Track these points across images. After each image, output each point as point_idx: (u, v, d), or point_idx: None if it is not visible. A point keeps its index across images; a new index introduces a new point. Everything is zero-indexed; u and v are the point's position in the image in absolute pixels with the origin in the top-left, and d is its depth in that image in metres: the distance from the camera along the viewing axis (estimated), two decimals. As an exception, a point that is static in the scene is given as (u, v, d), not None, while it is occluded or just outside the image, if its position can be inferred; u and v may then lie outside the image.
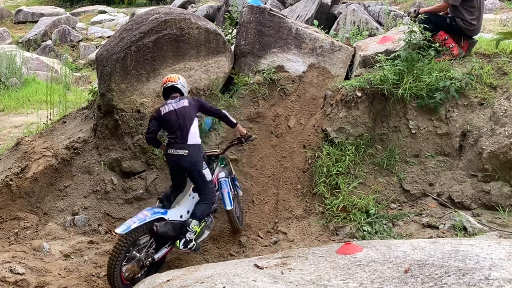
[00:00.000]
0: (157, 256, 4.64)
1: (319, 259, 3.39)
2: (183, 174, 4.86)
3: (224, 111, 5.13)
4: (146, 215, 4.48)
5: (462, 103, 5.66)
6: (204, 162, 4.82)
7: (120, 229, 4.26)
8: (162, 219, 4.58)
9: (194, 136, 4.75)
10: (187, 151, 4.67)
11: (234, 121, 5.16)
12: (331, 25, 11.72)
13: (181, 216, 4.75)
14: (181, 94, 4.99)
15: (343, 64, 6.62)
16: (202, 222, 4.82)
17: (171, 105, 4.84)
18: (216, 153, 5.26)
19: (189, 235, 4.66)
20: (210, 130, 5.93)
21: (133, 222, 4.34)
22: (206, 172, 4.80)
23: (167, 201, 4.89)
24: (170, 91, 4.99)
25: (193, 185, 4.97)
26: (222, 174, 5.22)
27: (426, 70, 5.70)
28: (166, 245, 4.73)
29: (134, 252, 4.46)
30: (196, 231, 4.71)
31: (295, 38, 6.61)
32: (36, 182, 5.82)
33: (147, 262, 4.54)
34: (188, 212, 4.81)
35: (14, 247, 5.30)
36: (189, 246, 4.66)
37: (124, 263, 4.40)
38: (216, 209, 5.23)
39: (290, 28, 6.63)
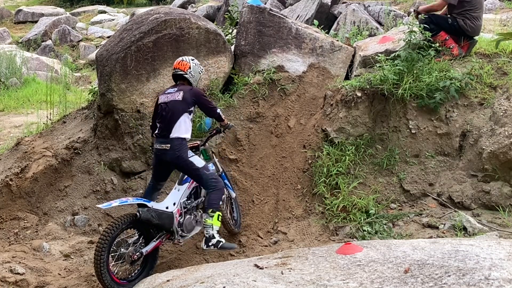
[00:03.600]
0: (145, 249, 4.57)
1: (319, 259, 3.39)
2: (168, 169, 4.82)
3: (218, 110, 5.01)
4: (128, 198, 4.72)
5: (462, 103, 5.66)
6: (190, 151, 4.72)
7: (102, 205, 4.52)
8: (145, 205, 4.56)
9: (178, 130, 4.66)
10: (169, 145, 4.62)
11: (223, 117, 5.08)
12: (331, 25, 11.72)
13: (167, 207, 4.68)
14: (189, 83, 4.93)
15: (343, 64, 6.62)
16: (213, 213, 4.59)
17: (168, 95, 4.80)
18: (196, 144, 5.16)
19: (207, 232, 4.54)
20: (209, 130, 5.91)
21: (114, 202, 4.53)
22: (195, 159, 4.68)
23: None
24: (177, 78, 4.95)
25: (179, 178, 4.95)
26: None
27: (426, 70, 5.70)
28: (154, 239, 4.68)
29: (122, 250, 4.45)
30: (211, 224, 4.54)
31: (295, 38, 6.61)
32: (36, 182, 5.82)
33: (135, 256, 4.49)
34: (174, 204, 4.75)
35: (14, 247, 5.30)
36: (211, 243, 4.51)
37: (114, 262, 4.39)
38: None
39: (290, 28, 6.63)
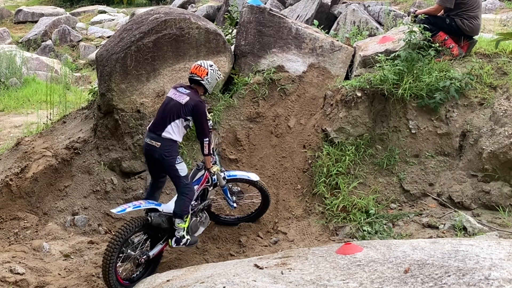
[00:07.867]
0: (152, 253, 4.64)
1: (319, 259, 3.39)
2: (157, 165, 4.78)
3: (207, 140, 4.75)
4: (141, 203, 4.64)
5: (462, 103, 5.66)
6: (178, 157, 4.70)
7: (116, 210, 4.48)
8: (156, 210, 4.60)
9: (171, 132, 4.64)
10: (160, 144, 4.61)
11: (206, 152, 4.78)
12: (331, 25, 11.70)
13: None
14: (204, 90, 4.88)
15: (343, 64, 6.62)
16: (186, 218, 4.76)
17: (177, 93, 4.74)
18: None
19: (178, 233, 4.69)
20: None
21: (128, 206, 4.51)
22: (180, 166, 4.68)
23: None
24: (193, 82, 4.86)
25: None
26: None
27: (426, 70, 5.70)
28: (161, 242, 4.72)
29: (128, 251, 4.47)
30: (183, 227, 4.70)
31: (295, 38, 6.61)
32: (36, 182, 5.82)
33: (142, 259, 4.55)
34: None
35: (14, 247, 5.30)
36: (182, 243, 4.71)
37: (119, 263, 4.42)
38: (210, 204, 5.25)
39: (290, 28, 6.62)
